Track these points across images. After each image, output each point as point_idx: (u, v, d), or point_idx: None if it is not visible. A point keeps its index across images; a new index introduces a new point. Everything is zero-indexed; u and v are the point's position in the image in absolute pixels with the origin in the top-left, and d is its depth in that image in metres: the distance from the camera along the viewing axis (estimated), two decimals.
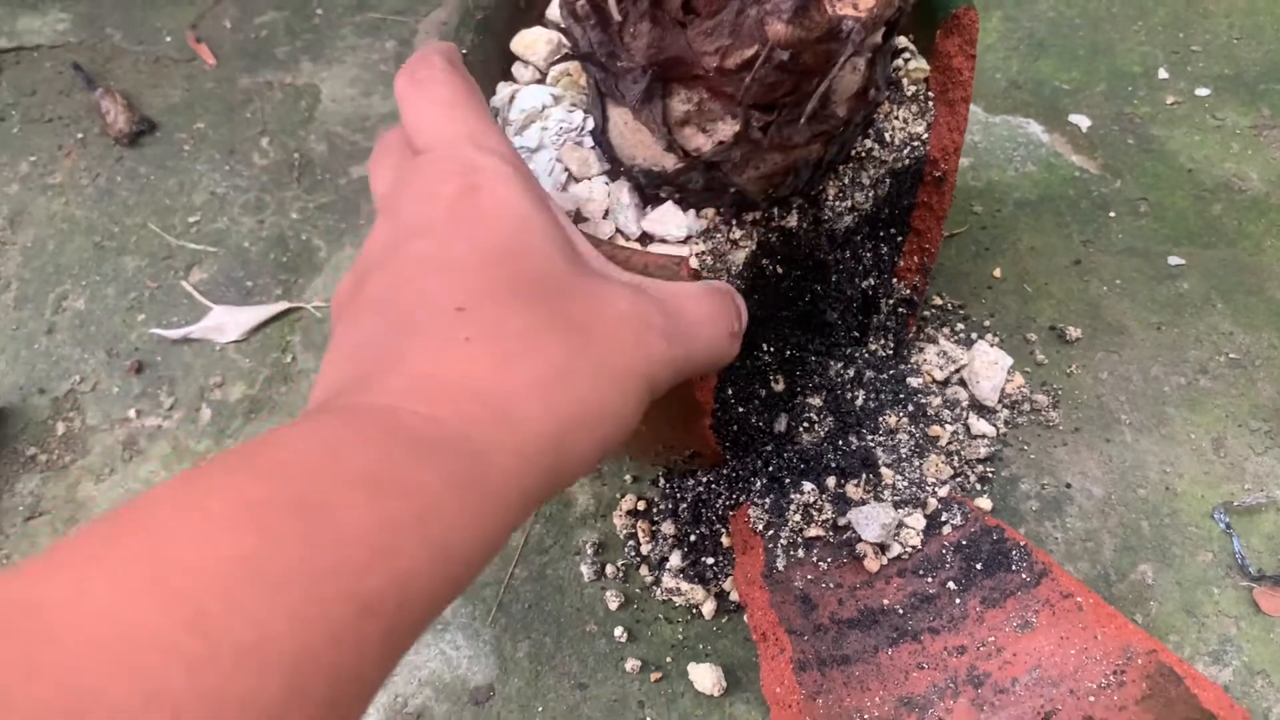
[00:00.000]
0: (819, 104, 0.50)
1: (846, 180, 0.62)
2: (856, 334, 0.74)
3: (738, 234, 0.59)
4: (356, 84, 1.04)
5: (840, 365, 0.73)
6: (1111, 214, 0.91)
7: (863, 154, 0.62)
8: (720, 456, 0.69)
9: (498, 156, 0.42)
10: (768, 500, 0.71)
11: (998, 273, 0.87)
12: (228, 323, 0.87)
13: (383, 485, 0.29)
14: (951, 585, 0.67)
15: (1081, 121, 0.98)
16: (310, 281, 0.91)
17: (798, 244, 0.62)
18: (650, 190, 0.58)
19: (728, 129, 0.52)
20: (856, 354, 0.74)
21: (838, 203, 0.62)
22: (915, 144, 0.65)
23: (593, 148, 0.60)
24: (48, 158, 1.00)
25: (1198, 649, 0.68)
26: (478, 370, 0.35)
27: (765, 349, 0.70)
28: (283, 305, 0.88)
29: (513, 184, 0.41)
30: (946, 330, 0.82)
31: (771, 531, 0.69)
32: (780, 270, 0.63)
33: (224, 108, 1.03)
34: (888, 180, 0.65)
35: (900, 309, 0.75)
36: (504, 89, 0.63)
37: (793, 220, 0.60)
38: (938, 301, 0.84)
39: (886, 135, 0.63)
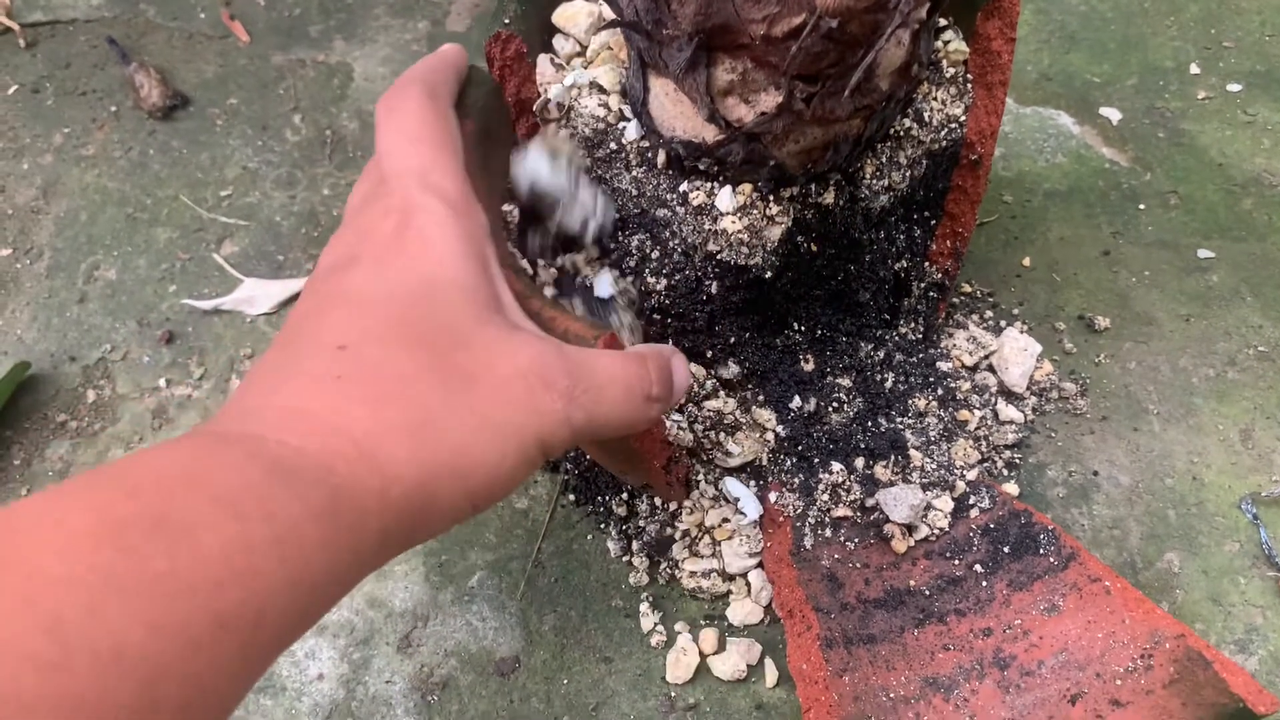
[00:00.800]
0: (863, 76, 0.50)
1: (884, 159, 0.63)
2: (887, 316, 0.74)
3: (774, 210, 0.60)
4: (389, 63, 1.04)
5: (870, 347, 0.73)
6: (1141, 206, 0.91)
7: (901, 133, 0.63)
8: (676, 494, 0.69)
9: (439, 198, 0.43)
10: (796, 480, 0.71)
11: (1027, 261, 0.87)
12: (258, 295, 0.87)
13: (243, 508, 0.30)
14: (978, 568, 0.68)
15: (1112, 114, 0.98)
16: None
17: (833, 222, 0.63)
18: (689, 163, 0.59)
19: (770, 100, 0.53)
20: (887, 336, 0.74)
21: (875, 181, 0.62)
22: (953, 125, 0.65)
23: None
24: (81, 130, 1.00)
25: (1223, 637, 0.68)
26: (346, 408, 0.35)
27: (797, 327, 0.70)
28: None
29: (445, 228, 0.42)
30: (976, 317, 0.82)
31: (799, 510, 0.70)
32: (815, 248, 0.64)
33: (257, 84, 1.03)
34: (924, 161, 0.65)
35: (931, 293, 0.75)
36: (545, 65, 0.63)
37: (829, 197, 0.61)
38: (967, 289, 0.84)
39: (925, 115, 0.63)
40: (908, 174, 0.64)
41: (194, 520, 0.29)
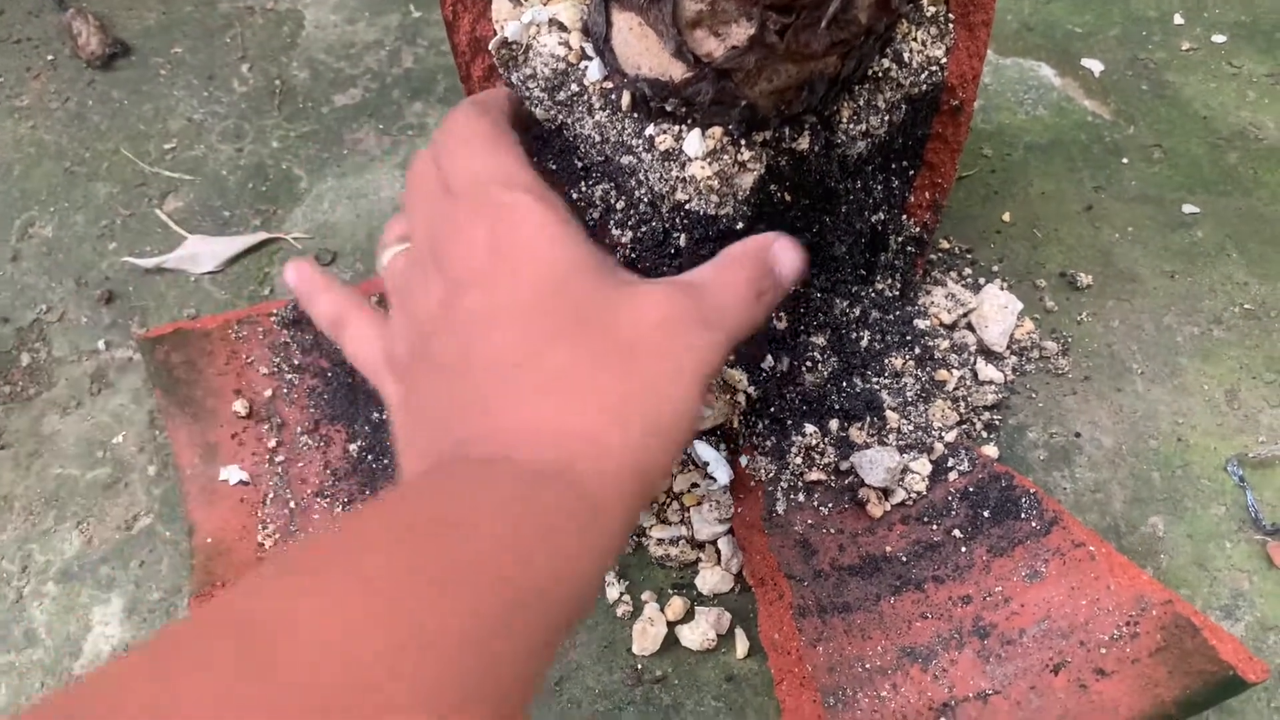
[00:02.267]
0: (840, 7, 0.47)
1: (862, 102, 0.59)
2: (864, 271, 0.71)
3: (746, 155, 0.56)
4: (341, 10, 1.00)
5: (846, 304, 0.70)
6: (1124, 160, 0.88)
7: (879, 74, 0.59)
8: None
9: (524, 191, 0.45)
10: (768, 443, 0.68)
11: (1007, 217, 0.84)
12: (203, 253, 0.83)
13: (512, 508, 0.34)
14: (957, 533, 0.65)
15: (1094, 66, 0.95)
16: (290, 212, 0.87)
17: (808, 170, 0.59)
18: (655, 104, 0.55)
19: (742, 32, 0.49)
20: (863, 293, 0.71)
21: (852, 126, 0.59)
22: (933, 68, 0.62)
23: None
24: (15, 80, 0.95)
25: (1209, 603, 0.65)
26: (558, 415, 0.39)
27: None
28: (261, 236, 0.85)
29: (541, 218, 0.43)
30: (954, 274, 0.79)
31: (772, 474, 0.67)
32: (789, 198, 0.60)
33: (203, 32, 0.98)
34: (903, 106, 0.62)
35: (909, 248, 0.72)
36: (501, 1, 0.59)
37: (804, 142, 0.57)
38: (945, 245, 0.81)
39: (905, 57, 0.60)
40: (886, 119, 0.60)
41: (472, 520, 0.32)
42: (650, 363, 0.41)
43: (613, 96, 0.57)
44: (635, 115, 0.57)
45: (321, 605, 0.27)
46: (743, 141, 0.56)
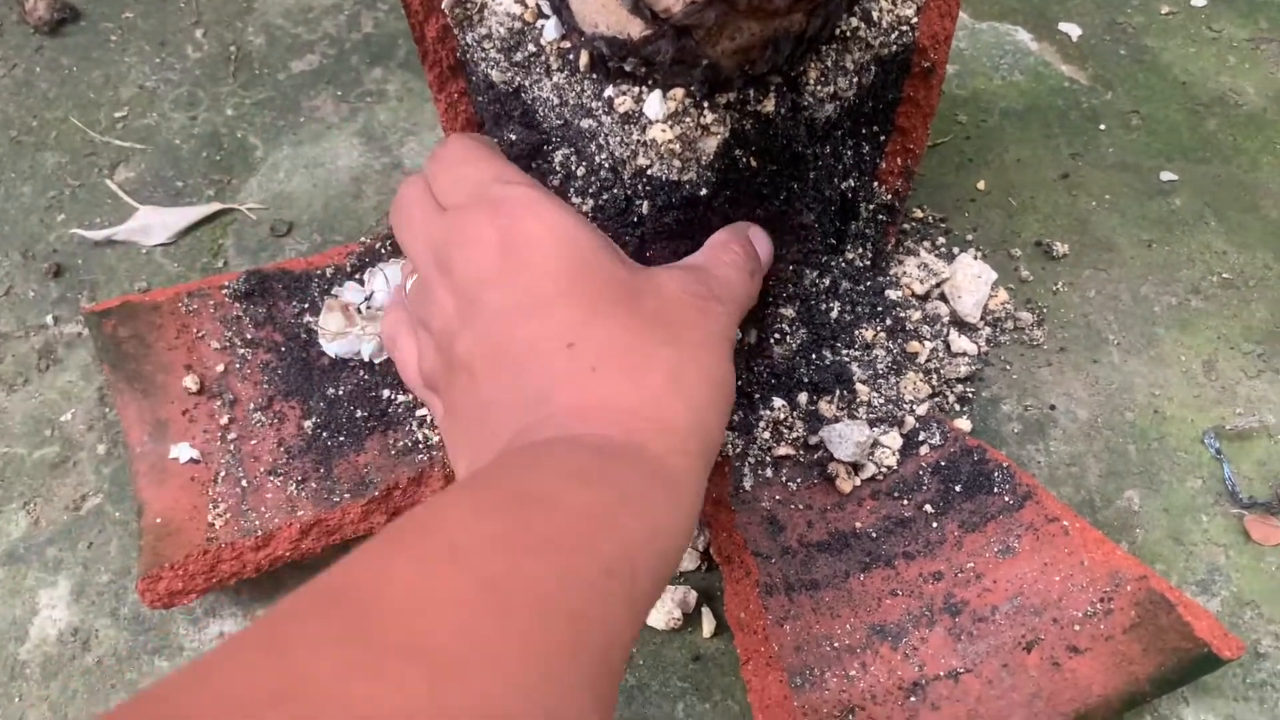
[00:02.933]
0: None
1: (829, 63, 0.57)
2: (834, 241, 0.69)
3: (709, 118, 0.54)
4: None
5: (815, 274, 0.68)
6: (1102, 126, 0.86)
7: (848, 34, 0.57)
8: None
9: (524, 185, 0.46)
10: (735, 417, 0.66)
11: (982, 185, 0.82)
12: (155, 224, 0.80)
13: (591, 479, 0.34)
14: (928, 508, 0.63)
15: (1072, 30, 0.93)
16: (245, 182, 0.84)
17: (774, 134, 0.57)
18: (614, 64, 0.52)
19: None
20: (833, 263, 0.69)
21: (819, 88, 0.57)
22: (904, 28, 0.60)
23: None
24: None
25: (1185, 578, 0.64)
26: (618, 391, 0.39)
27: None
28: (215, 207, 0.82)
29: (545, 206, 0.44)
30: (927, 244, 0.77)
31: (739, 450, 0.65)
32: (754, 163, 0.58)
33: None
34: (873, 68, 0.60)
35: (880, 216, 0.70)
36: None
37: (769, 105, 0.55)
38: (918, 214, 0.79)
39: (874, 15, 0.58)
40: (855, 81, 0.58)
41: (554, 493, 0.32)
42: (687, 332, 0.42)
43: (570, 56, 0.55)
44: (594, 76, 0.55)
45: (413, 569, 0.28)
46: (705, 104, 0.54)
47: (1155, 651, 0.56)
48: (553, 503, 0.32)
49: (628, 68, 0.52)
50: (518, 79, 0.57)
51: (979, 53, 0.91)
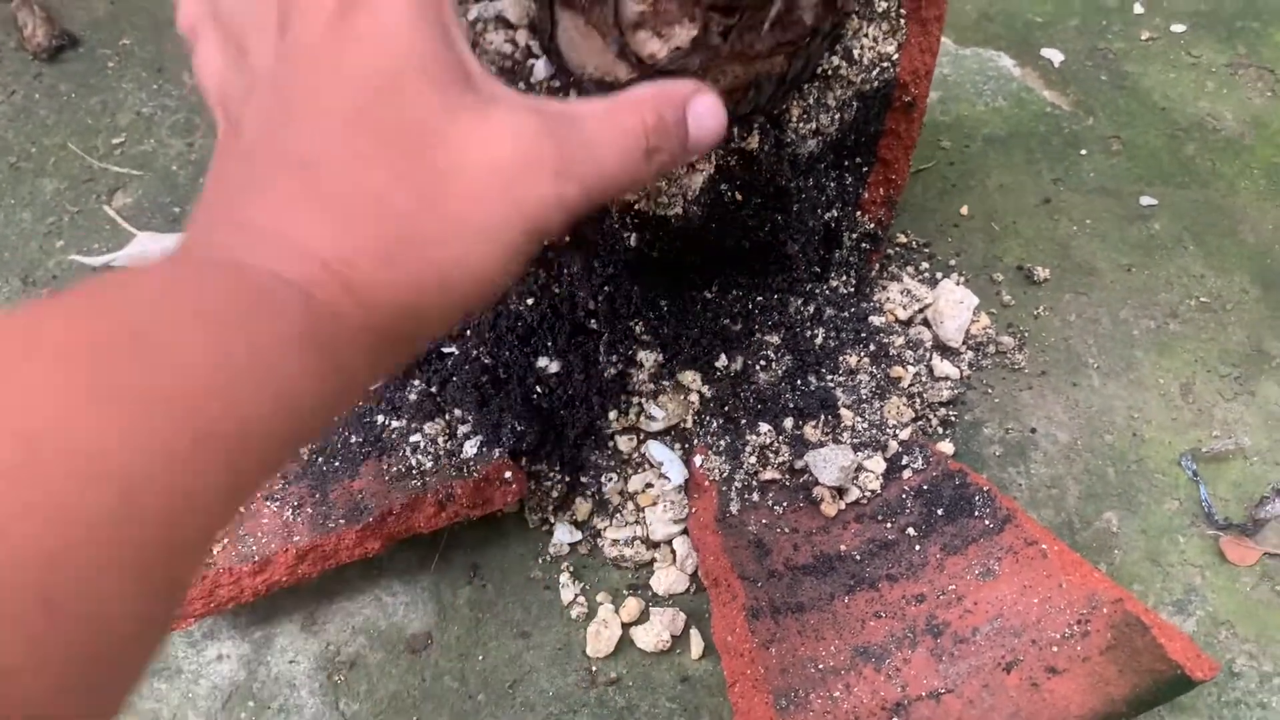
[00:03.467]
0: (784, 7, 0.46)
1: (811, 100, 0.58)
2: (818, 269, 0.71)
3: (694, 156, 0.55)
4: None
5: (800, 302, 0.69)
6: (1083, 152, 0.87)
7: (829, 72, 0.58)
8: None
9: None
10: (722, 442, 0.67)
11: (965, 210, 0.83)
12: (153, 250, 0.81)
13: (223, 327, 0.29)
14: (911, 531, 0.65)
15: (1054, 56, 0.95)
16: None
17: (758, 169, 0.58)
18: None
19: (685, 33, 0.48)
20: (817, 290, 0.71)
21: (802, 124, 0.58)
22: (885, 65, 0.61)
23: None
24: None
25: (1161, 599, 0.66)
26: (321, 232, 0.34)
27: (722, 282, 0.67)
28: None
29: (399, 3, 0.36)
30: (911, 269, 0.78)
31: (726, 474, 0.66)
32: (739, 197, 0.59)
33: (152, 24, 0.97)
34: (855, 104, 0.61)
35: (864, 244, 0.72)
36: None
37: (754, 142, 0.56)
38: (902, 239, 0.81)
39: (855, 53, 0.59)
40: (837, 117, 0.60)
41: (172, 338, 0.28)
42: (463, 206, 0.35)
43: (560, 95, 0.56)
44: None
45: None
46: None
47: (1131, 673, 0.57)
48: (165, 351, 0.28)
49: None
50: None
51: (963, 79, 0.93)
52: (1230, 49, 0.95)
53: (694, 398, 0.68)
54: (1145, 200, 0.84)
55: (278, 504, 0.65)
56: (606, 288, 0.66)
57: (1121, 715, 0.57)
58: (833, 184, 0.66)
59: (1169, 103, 0.91)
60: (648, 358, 0.67)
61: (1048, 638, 0.59)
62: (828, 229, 0.68)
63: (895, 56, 0.61)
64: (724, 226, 0.61)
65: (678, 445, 0.68)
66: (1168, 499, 0.69)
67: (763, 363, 0.68)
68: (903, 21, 0.61)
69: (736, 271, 0.68)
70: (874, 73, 0.61)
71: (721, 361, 0.67)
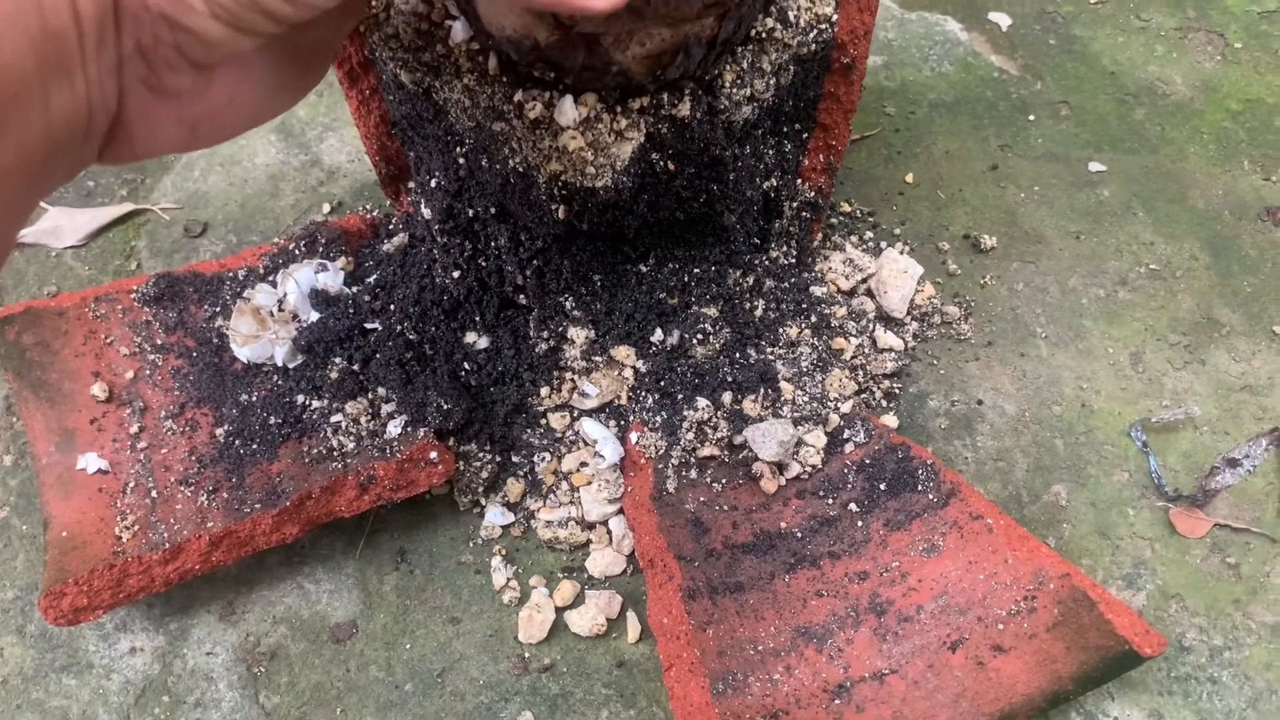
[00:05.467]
0: None
1: (745, 65, 0.56)
2: (757, 240, 0.68)
3: (623, 123, 0.53)
4: None
5: (739, 273, 0.67)
6: (1031, 117, 0.86)
7: (763, 35, 0.56)
8: None
9: None
10: (659, 418, 0.65)
11: (910, 178, 0.81)
12: (64, 226, 0.78)
13: None
14: (854, 507, 0.63)
15: (1001, 20, 0.92)
16: (158, 181, 0.82)
17: (691, 137, 0.56)
18: (523, 68, 0.51)
19: None
20: (757, 261, 0.68)
21: (735, 90, 0.55)
22: (823, 26, 0.58)
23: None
24: None
25: (1111, 573, 0.64)
26: None
27: (657, 254, 0.64)
28: (127, 207, 0.80)
29: None
30: (854, 238, 0.76)
31: (662, 451, 0.64)
32: (671, 167, 0.57)
33: None
34: (792, 67, 0.59)
35: (804, 213, 0.69)
36: None
37: (685, 109, 0.54)
38: (846, 208, 0.78)
39: (790, 15, 0.56)
40: (773, 81, 0.57)
41: None
42: None
43: (480, 59, 0.53)
44: (504, 79, 0.53)
45: None
46: (619, 109, 0.52)
47: (1078, 650, 0.55)
48: None
49: (537, 73, 0.51)
50: (427, 79, 0.55)
51: (908, 43, 0.90)
52: (1180, 12, 0.93)
53: (628, 373, 0.65)
54: (1094, 166, 0.82)
55: (192, 488, 0.62)
56: (535, 261, 0.63)
57: (1069, 693, 0.55)
58: (771, 151, 0.63)
59: (1118, 67, 0.89)
60: (579, 334, 0.65)
61: (994, 615, 0.58)
62: (767, 198, 0.66)
63: (833, 17, 0.59)
64: (656, 197, 0.58)
65: (612, 422, 0.66)
66: (1117, 471, 0.67)
67: (700, 336, 0.65)
68: None
69: (672, 244, 0.65)
70: (811, 35, 0.58)
71: (657, 336, 0.65)
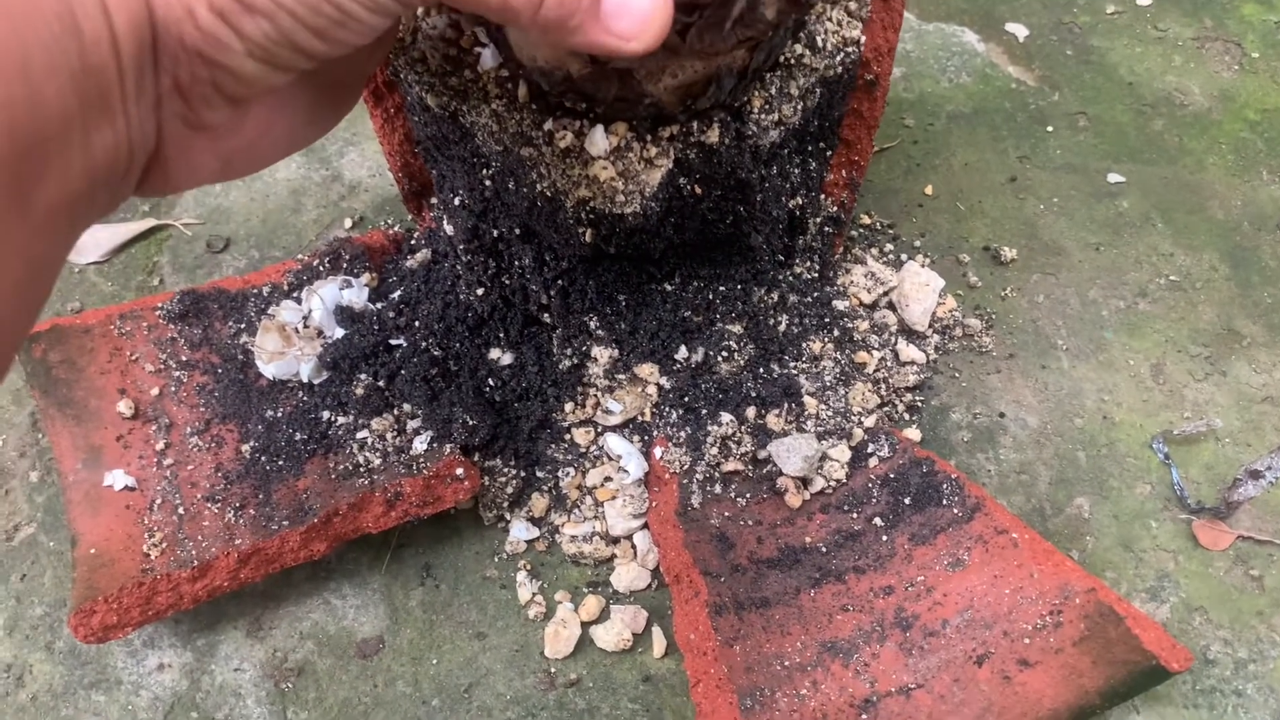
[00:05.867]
0: (748, 5, 0.43)
1: (774, 91, 0.55)
2: (782, 257, 0.68)
3: (653, 151, 0.52)
4: None
5: (764, 290, 0.67)
6: (1049, 128, 0.86)
7: (792, 61, 0.56)
8: None
9: None
10: (683, 433, 0.65)
11: (929, 190, 0.81)
12: (86, 242, 0.78)
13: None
14: (878, 521, 0.63)
15: (1019, 30, 0.93)
16: (180, 196, 0.82)
17: (719, 162, 0.56)
18: (554, 97, 0.51)
19: None
20: (780, 277, 0.68)
21: (763, 116, 0.55)
22: (850, 49, 0.58)
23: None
24: None
25: (1135, 585, 0.64)
26: None
27: (684, 273, 0.64)
28: (149, 223, 0.80)
29: None
30: (875, 251, 0.76)
31: (686, 466, 0.64)
32: (699, 190, 0.57)
33: None
34: (818, 90, 0.59)
35: (827, 228, 0.69)
36: None
37: (714, 135, 0.54)
38: (866, 220, 0.79)
39: (819, 40, 0.56)
40: (800, 105, 0.57)
41: None
42: None
43: (509, 86, 0.53)
44: (534, 107, 0.53)
45: None
46: (649, 137, 0.52)
47: (1104, 664, 0.55)
48: None
49: (568, 103, 0.51)
50: (454, 103, 0.55)
51: (926, 55, 0.90)
52: (1197, 22, 0.93)
53: (652, 389, 0.66)
54: (1113, 177, 0.82)
55: (219, 505, 0.62)
56: (560, 281, 0.63)
57: (1095, 707, 0.56)
58: (797, 170, 0.64)
59: (1135, 77, 0.89)
60: (603, 352, 0.65)
61: (1019, 629, 0.58)
62: (792, 217, 0.66)
63: (860, 40, 0.59)
64: (683, 220, 0.59)
65: (636, 437, 0.66)
66: (1139, 483, 0.67)
67: (725, 353, 0.65)
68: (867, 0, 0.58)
69: (697, 263, 0.65)
70: (838, 58, 0.58)
71: (681, 354, 0.65)
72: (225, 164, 0.39)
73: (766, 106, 0.55)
